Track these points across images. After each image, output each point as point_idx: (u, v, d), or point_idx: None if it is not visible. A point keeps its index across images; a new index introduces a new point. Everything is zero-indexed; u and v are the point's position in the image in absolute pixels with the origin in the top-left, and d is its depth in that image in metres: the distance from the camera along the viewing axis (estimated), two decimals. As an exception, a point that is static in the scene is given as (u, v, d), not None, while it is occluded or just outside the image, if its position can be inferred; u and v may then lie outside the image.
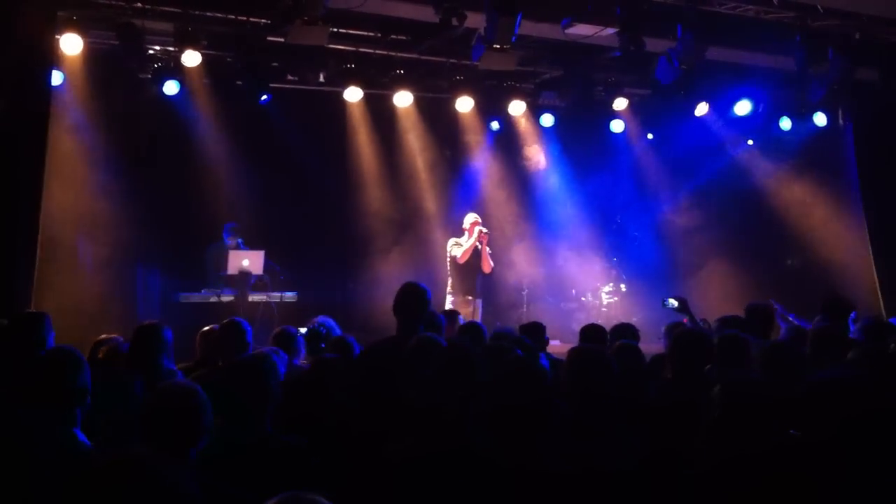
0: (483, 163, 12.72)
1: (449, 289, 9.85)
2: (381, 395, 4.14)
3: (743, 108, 11.84)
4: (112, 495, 2.21)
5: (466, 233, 9.98)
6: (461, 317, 7.61)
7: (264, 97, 10.16)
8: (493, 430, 3.26)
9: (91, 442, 3.55)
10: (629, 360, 4.83)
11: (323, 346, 5.95)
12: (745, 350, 4.70)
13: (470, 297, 9.79)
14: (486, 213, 10.39)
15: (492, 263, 9.95)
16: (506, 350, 4.40)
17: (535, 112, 12.12)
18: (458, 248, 9.82)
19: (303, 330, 6.20)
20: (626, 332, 6.09)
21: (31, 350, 4.76)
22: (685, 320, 7.43)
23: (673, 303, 7.16)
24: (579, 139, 12.83)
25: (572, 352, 4.15)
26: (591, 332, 6.08)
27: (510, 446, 3.16)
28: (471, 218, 10.03)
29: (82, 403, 3.66)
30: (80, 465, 2.70)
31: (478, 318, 9.40)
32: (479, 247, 9.83)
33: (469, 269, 9.79)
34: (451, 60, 10.71)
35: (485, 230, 9.87)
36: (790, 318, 7.03)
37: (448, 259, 9.93)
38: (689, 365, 4.64)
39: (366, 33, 9.82)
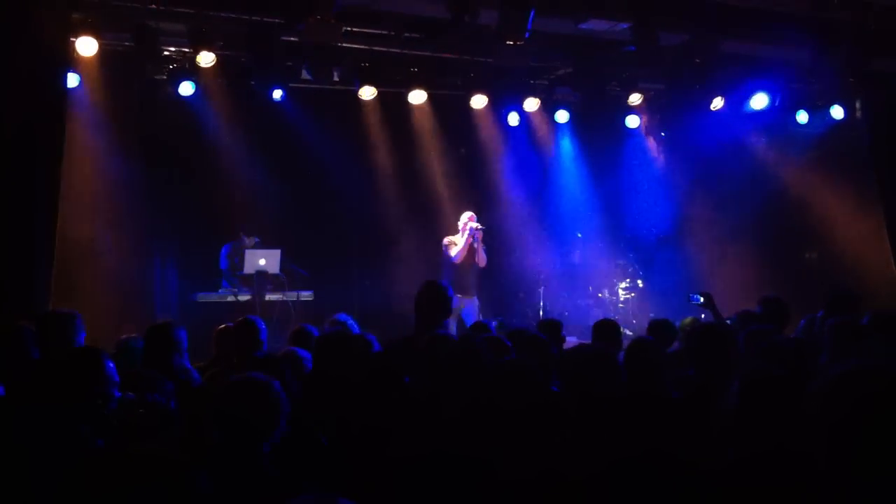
0: (498, 159, 12.70)
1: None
2: (390, 395, 4.12)
3: (759, 101, 11.73)
4: (120, 493, 2.22)
5: (462, 231, 9.87)
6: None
7: (279, 94, 10.18)
8: (495, 431, 3.25)
9: (106, 441, 3.56)
10: (644, 357, 4.72)
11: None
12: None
13: (465, 296, 9.66)
14: (500, 210, 10.33)
15: (485, 258, 9.81)
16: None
17: (549, 108, 12.08)
18: (454, 247, 9.72)
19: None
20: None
21: (59, 350, 4.79)
22: (702, 316, 7.38)
23: (699, 298, 7.10)
24: (595, 134, 12.82)
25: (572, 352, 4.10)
26: (605, 329, 6.02)
27: (511, 448, 3.15)
28: (465, 216, 9.81)
29: (103, 402, 3.67)
30: (89, 463, 2.70)
31: (475, 316, 9.36)
32: (475, 244, 9.72)
33: (464, 268, 9.70)
34: (465, 57, 10.69)
35: (479, 227, 9.76)
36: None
37: (443, 257, 9.83)
38: (710, 361, 4.52)
39: (379, 31, 9.81)
